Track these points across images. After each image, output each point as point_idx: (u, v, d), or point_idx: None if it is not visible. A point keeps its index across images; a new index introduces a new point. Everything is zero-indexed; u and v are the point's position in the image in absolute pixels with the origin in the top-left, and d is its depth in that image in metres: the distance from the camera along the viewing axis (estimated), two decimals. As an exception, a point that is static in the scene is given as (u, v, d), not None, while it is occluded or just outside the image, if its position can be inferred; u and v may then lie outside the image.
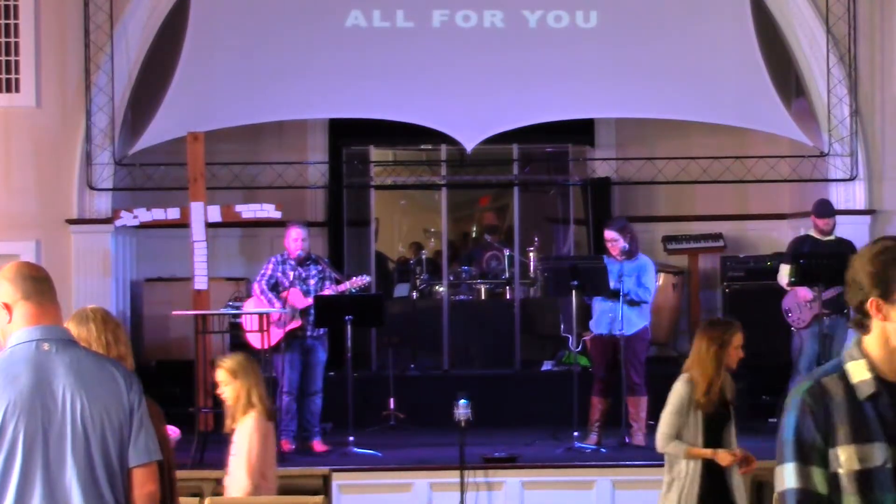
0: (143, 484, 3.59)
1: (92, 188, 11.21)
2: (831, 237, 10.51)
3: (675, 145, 12.16)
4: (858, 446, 2.87)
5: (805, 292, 10.24)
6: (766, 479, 6.86)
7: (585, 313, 10.03)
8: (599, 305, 9.87)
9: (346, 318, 9.68)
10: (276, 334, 9.77)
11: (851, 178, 11.41)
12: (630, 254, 9.82)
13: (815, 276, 10.14)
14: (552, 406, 10.49)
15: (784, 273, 10.44)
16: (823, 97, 11.42)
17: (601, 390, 9.87)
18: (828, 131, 11.39)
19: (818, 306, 10.23)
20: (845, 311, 10.40)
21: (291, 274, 9.92)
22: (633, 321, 9.75)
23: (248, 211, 10.70)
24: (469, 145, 11.23)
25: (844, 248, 10.42)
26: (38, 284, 3.58)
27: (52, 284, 3.64)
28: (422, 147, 13.15)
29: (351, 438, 9.63)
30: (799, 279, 10.19)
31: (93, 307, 4.45)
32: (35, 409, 3.46)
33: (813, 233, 10.52)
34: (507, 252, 12.95)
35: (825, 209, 10.51)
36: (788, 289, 10.37)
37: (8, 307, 3.56)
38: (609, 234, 9.92)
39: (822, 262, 10.17)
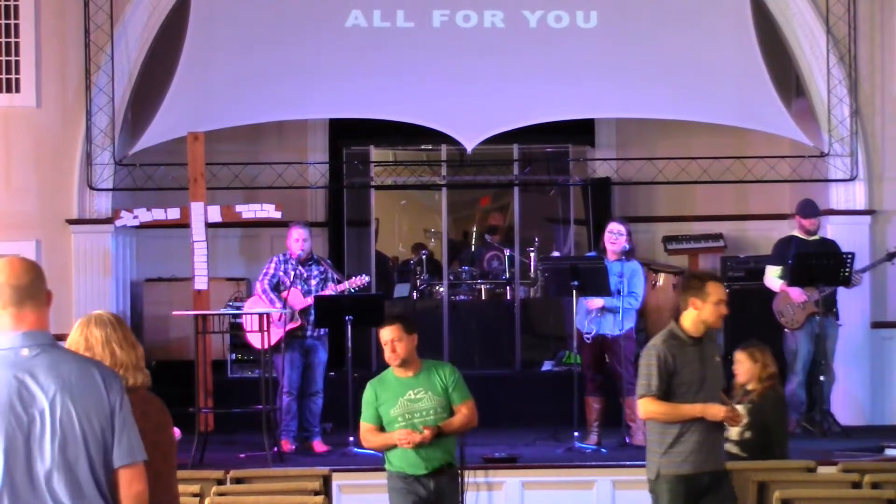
0: (130, 484, 3.59)
1: (92, 188, 11.20)
2: (816, 237, 10.53)
3: (675, 145, 12.15)
4: None
5: (797, 293, 10.24)
6: (767, 479, 6.85)
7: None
8: (583, 306, 9.89)
9: (347, 318, 9.68)
10: (277, 334, 9.77)
11: (851, 179, 11.40)
12: (627, 255, 9.84)
13: (808, 277, 10.15)
14: (552, 406, 10.49)
15: (772, 274, 10.44)
16: (823, 97, 11.41)
17: (594, 389, 9.90)
18: (828, 131, 11.39)
19: (812, 306, 10.23)
20: (834, 309, 10.42)
21: (293, 273, 9.92)
22: (622, 322, 9.78)
23: (248, 211, 10.71)
24: (469, 145, 11.22)
25: (831, 248, 10.44)
26: (18, 293, 3.57)
27: (39, 284, 3.61)
28: (422, 147, 13.13)
29: (351, 438, 9.61)
30: (793, 280, 10.19)
31: (104, 311, 4.47)
32: (14, 413, 3.46)
33: (798, 233, 10.53)
34: (507, 252, 12.94)
35: (812, 209, 10.52)
36: (778, 291, 10.38)
37: None
38: (616, 226, 9.91)
39: (815, 261, 10.18)
